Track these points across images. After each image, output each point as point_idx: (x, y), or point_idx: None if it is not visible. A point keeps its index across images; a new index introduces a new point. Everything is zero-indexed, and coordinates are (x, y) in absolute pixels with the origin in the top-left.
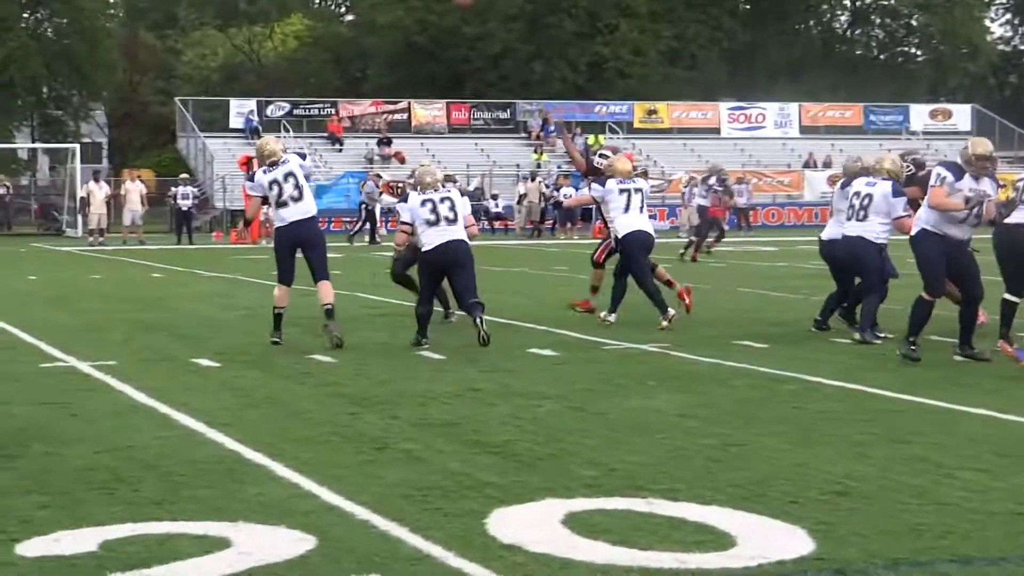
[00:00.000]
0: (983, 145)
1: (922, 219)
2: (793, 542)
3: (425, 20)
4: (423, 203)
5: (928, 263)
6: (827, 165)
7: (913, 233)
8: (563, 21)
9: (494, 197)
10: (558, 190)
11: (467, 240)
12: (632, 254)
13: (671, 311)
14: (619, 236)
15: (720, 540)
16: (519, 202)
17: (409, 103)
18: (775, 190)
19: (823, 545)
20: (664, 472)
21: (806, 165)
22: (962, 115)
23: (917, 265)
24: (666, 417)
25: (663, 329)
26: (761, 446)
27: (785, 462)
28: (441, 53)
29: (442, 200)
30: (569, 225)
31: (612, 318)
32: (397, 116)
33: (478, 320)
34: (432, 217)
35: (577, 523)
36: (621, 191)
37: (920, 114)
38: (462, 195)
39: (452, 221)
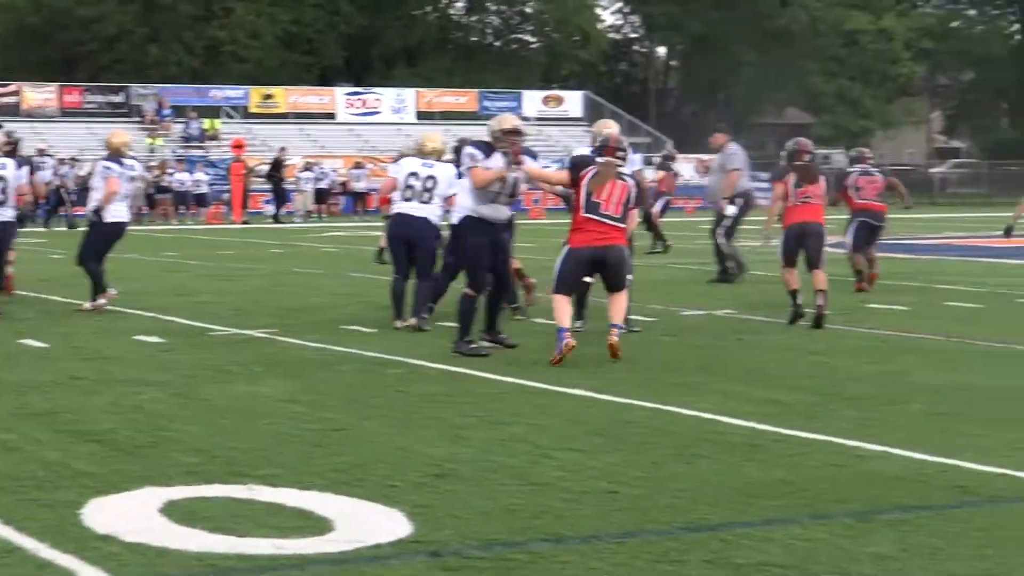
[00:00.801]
0: (509, 120)
1: (463, 207)
2: (391, 525)
3: (39, 1)
4: None
5: (473, 254)
6: None
7: (456, 221)
8: (179, 4)
9: None
10: (171, 175)
11: (13, 221)
12: (104, 241)
13: (111, 291)
14: (106, 220)
15: (318, 525)
16: None
17: (19, 86)
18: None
19: (421, 527)
20: (265, 458)
21: None
22: (574, 102)
23: (459, 255)
24: (271, 403)
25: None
26: (363, 430)
27: (386, 446)
28: (54, 35)
29: None
30: (182, 209)
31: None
32: (6, 99)
33: None
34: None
35: (175, 511)
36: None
37: (533, 100)
38: (19, 167)
39: (3, 204)
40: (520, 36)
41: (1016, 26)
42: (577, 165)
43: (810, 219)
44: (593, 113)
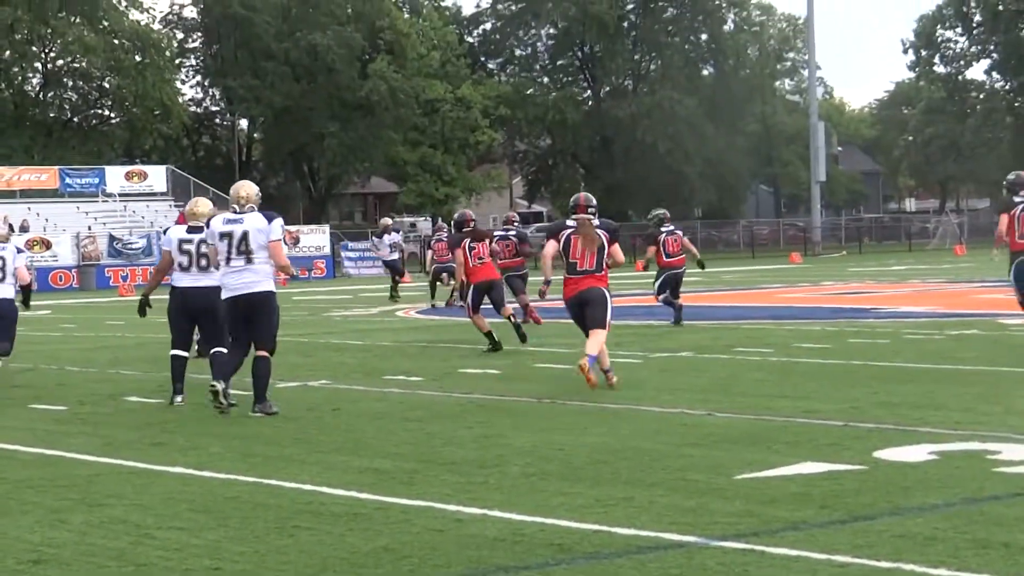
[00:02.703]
0: (202, 204)
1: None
2: None
3: None
4: None
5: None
6: (24, 229)
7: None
8: None
9: None
10: None
11: None
12: None
13: None
14: None
15: None
16: None
17: None
18: None
19: None
20: None
21: None
22: (157, 176)
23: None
24: None
25: None
26: None
27: None
28: None
29: None
30: None
31: None
32: None
33: None
34: None
35: None
36: None
37: (116, 176)
38: None
39: None
40: (100, 111)
41: (588, 92)
42: (553, 232)
43: (488, 277)
44: (178, 187)
